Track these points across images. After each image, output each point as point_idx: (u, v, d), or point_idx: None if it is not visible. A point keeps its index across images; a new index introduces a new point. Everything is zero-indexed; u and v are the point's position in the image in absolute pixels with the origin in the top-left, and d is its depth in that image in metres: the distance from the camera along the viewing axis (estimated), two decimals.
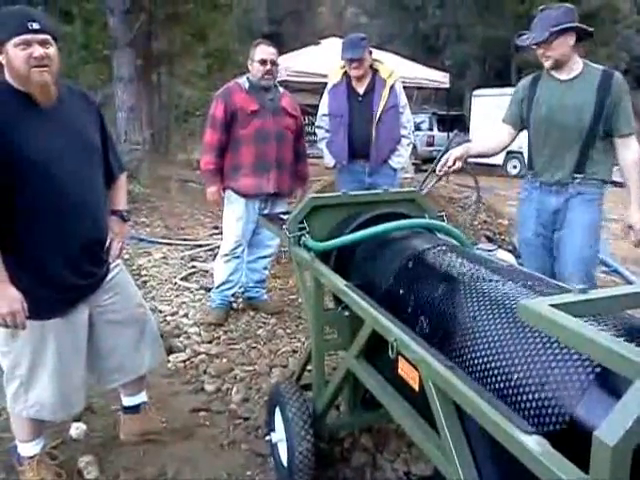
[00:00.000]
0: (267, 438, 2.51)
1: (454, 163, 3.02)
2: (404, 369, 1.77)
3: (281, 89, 4.03)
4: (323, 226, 2.42)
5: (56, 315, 2.25)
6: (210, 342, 3.79)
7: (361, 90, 4.13)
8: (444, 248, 2.01)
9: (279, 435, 2.44)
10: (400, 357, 1.75)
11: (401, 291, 1.90)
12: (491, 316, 1.50)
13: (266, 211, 3.93)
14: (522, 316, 1.21)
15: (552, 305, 1.17)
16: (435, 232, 2.33)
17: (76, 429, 2.78)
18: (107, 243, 2.41)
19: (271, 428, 2.52)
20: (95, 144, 2.33)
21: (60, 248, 2.19)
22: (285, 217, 2.64)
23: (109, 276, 2.45)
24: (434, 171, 3.13)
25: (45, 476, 2.40)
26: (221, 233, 4.31)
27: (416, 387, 1.71)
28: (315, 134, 4.51)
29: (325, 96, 4.29)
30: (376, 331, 1.80)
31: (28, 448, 2.44)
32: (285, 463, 2.37)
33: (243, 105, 3.80)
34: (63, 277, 2.23)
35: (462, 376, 1.39)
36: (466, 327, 1.55)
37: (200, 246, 6.18)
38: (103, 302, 2.42)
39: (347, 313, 2.34)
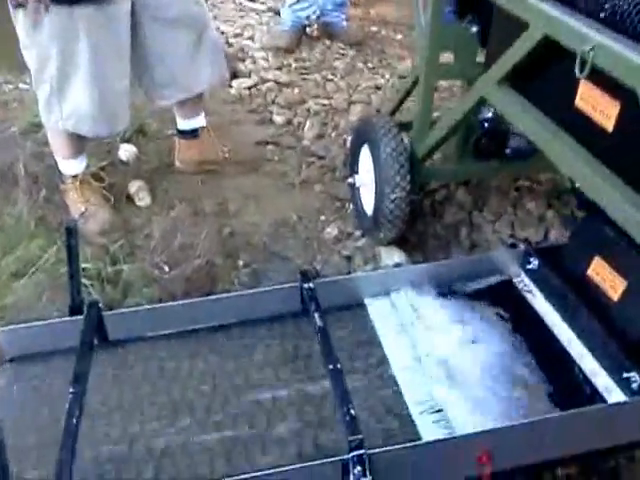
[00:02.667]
0: (349, 181, 2.07)
1: None
2: (592, 98, 1.20)
3: None
4: None
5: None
6: (279, 69, 3.22)
7: None
8: None
9: (364, 178, 1.99)
10: (585, 81, 1.17)
11: None
12: None
13: None
14: None
15: None
16: None
17: (125, 151, 2.40)
18: None
19: (354, 170, 2.08)
20: None
21: None
22: None
23: None
24: None
25: (90, 197, 2.08)
26: None
27: (609, 126, 1.16)
28: None
29: None
30: (544, 41, 1.20)
31: (70, 166, 2.09)
32: (369, 211, 1.96)
33: None
34: None
35: None
36: None
37: None
38: None
39: (475, 28, 1.72)
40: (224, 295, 1.56)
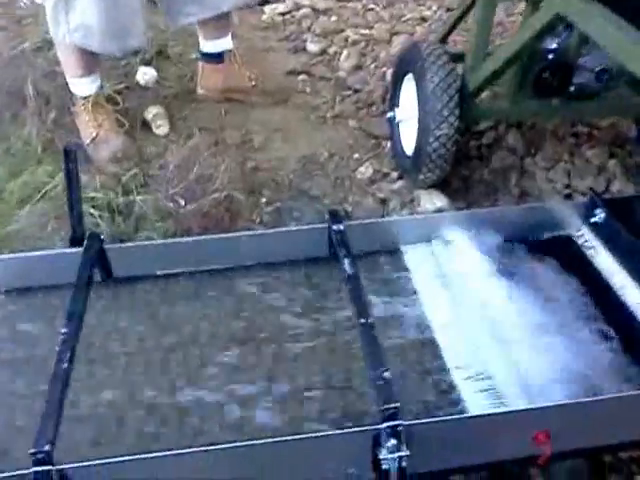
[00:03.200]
0: (388, 115, 1.86)
1: None
2: None
3: None
4: None
5: None
6: None
7: None
8: None
9: (406, 113, 1.78)
10: None
11: None
12: None
13: None
14: None
15: None
16: None
17: (144, 75, 2.20)
18: None
19: (395, 103, 1.85)
20: None
21: None
22: None
23: None
24: None
25: (102, 121, 1.89)
26: None
27: None
28: None
29: None
30: None
31: (81, 86, 1.90)
32: (409, 150, 1.75)
33: None
34: None
35: None
36: None
37: None
38: None
39: None
40: (244, 233, 1.38)
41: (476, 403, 1.04)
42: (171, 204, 1.68)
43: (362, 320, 1.05)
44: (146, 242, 1.37)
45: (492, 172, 1.94)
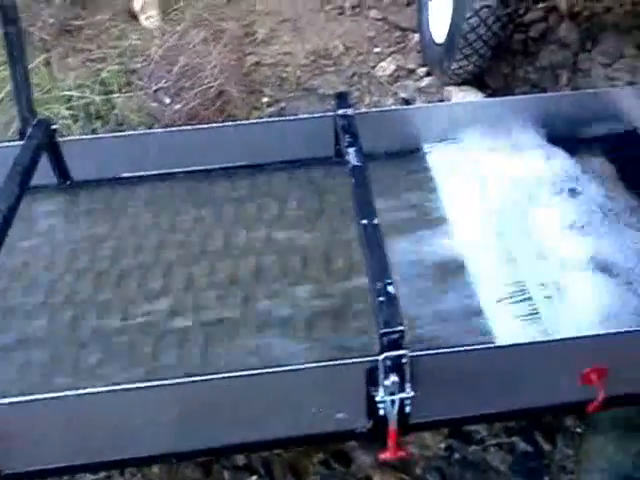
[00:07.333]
0: None
1: None
2: None
3: None
4: None
5: None
6: None
7: None
8: None
9: None
10: None
11: None
12: None
13: None
14: None
15: None
16: None
17: None
18: None
19: None
20: None
21: None
22: None
23: None
24: None
25: None
26: None
27: None
28: None
29: None
30: None
31: None
32: (441, 37, 1.45)
33: None
34: None
35: None
36: None
37: None
38: None
39: None
40: (229, 124, 1.12)
41: (510, 331, 0.78)
42: (155, 103, 1.43)
43: (364, 221, 0.79)
44: (107, 135, 1.12)
45: (539, 70, 1.64)
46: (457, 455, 0.95)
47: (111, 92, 1.50)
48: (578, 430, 0.96)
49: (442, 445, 0.95)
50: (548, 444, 0.95)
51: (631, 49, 1.66)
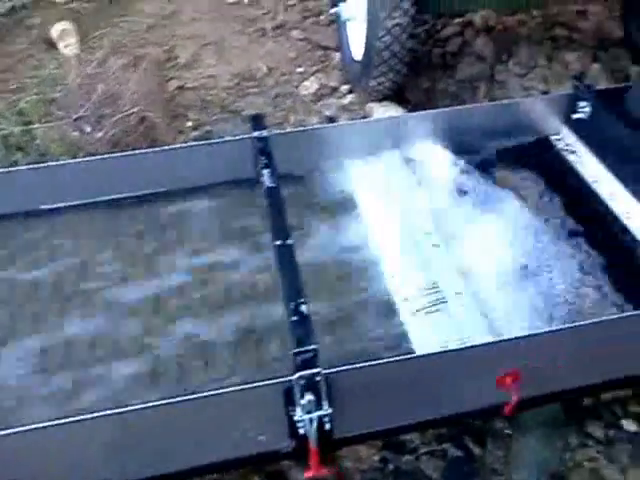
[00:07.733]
0: (331, 11, 1.58)
1: None
2: None
3: None
4: None
5: None
6: None
7: None
8: None
9: (354, 9, 1.50)
10: None
11: None
12: None
13: None
14: None
15: None
16: None
17: None
18: None
19: None
20: None
21: None
22: None
23: None
24: None
25: None
26: None
27: None
28: None
29: None
30: None
31: None
32: (359, 54, 1.48)
33: None
34: None
35: None
36: None
37: None
38: None
39: None
40: (150, 150, 1.11)
41: (427, 340, 0.80)
42: (76, 133, 1.41)
43: (278, 242, 0.80)
44: (24, 167, 1.09)
45: (458, 83, 1.68)
46: (391, 466, 0.95)
47: (30, 122, 1.47)
48: (507, 432, 0.98)
49: (376, 457, 0.96)
50: (478, 448, 0.97)
51: (543, 59, 1.73)
